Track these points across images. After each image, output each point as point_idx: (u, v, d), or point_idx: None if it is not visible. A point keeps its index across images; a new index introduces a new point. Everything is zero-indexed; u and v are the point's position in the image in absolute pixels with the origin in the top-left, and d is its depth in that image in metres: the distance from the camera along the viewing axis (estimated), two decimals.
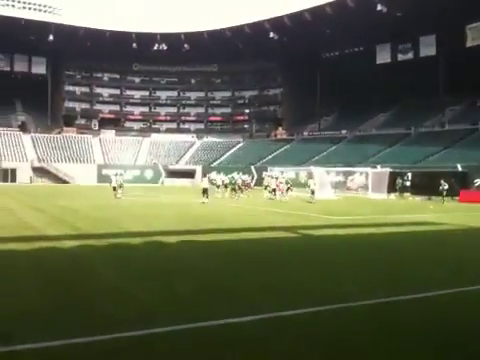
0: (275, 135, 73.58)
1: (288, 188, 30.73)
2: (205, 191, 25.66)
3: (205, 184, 26.36)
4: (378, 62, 64.07)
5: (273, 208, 23.07)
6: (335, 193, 35.73)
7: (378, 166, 40.81)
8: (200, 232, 13.70)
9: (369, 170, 38.82)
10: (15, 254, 9.68)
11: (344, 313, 5.90)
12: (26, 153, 66.25)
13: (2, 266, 8.53)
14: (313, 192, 28.18)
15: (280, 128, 74.07)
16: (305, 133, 69.28)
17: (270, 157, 64.58)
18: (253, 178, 35.48)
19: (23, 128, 72.68)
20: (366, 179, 38.80)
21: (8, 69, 75.18)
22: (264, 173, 39.44)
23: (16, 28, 64.05)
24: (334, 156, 55.66)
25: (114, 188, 29.68)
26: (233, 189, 32.29)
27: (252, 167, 58.27)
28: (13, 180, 60.20)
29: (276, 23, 62.00)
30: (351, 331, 5.22)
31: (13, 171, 61.32)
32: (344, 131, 63.57)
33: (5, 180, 59.59)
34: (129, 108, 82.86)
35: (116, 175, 30.62)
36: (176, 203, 26.68)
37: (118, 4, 71.25)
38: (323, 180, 35.63)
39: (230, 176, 32.92)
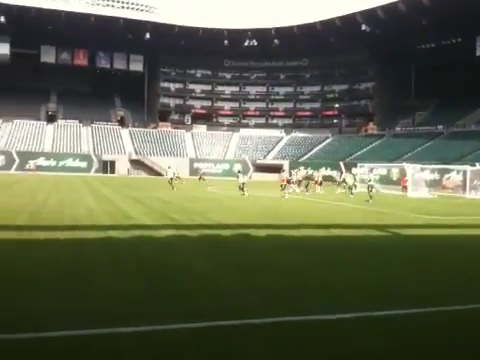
0: (365, 130, 71.59)
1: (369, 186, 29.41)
2: (243, 185, 28.27)
3: (242, 179, 29.12)
4: (478, 54, 60.04)
5: (361, 205, 22.63)
6: (430, 192, 34.18)
7: (477, 164, 38.41)
8: (288, 227, 13.81)
9: (467, 168, 36.64)
10: (115, 241, 10.37)
11: (429, 317, 5.78)
12: (124, 146, 70.17)
13: (103, 252, 9.13)
14: (369, 188, 26.76)
15: (371, 123, 71.89)
16: (397, 128, 66.69)
17: (359, 153, 62.99)
18: (342, 174, 34.89)
19: (122, 123, 77.16)
20: (464, 178, 36.69)
21: (108, 67, 79.92)
22: (353, 169, 38.77)
23: (115, 27, 68.00)
24: (429, 153, 53.07)
25: (170, 180, 32.55)
26: (307, 185, 32.74)
27: (341, 163, 57.27)
28: (112, 172, 64.04)
29: (369, 15, 60.20)
30: (436, 337, 5.12)
31: (112, 163, 65.23)
32: (440, 126, 60.36)
33: (105, 172, 63.61)
34: (220, 103, 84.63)
35: (169, 168, 35.28)
36: (264, 197, 27.02)
37: (211, 1, 72.95)
38: (416, 178, 34.25)
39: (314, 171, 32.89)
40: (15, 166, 60.59)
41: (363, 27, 62.05)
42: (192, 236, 11.37)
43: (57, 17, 64.95)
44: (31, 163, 60.07)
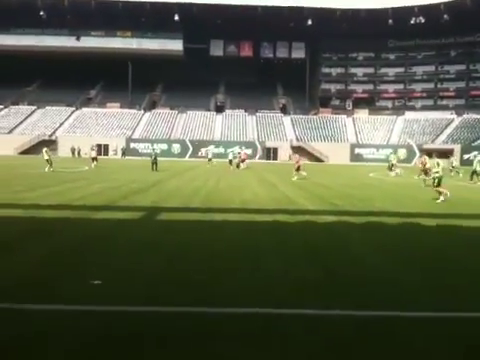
0: None
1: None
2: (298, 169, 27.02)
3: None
4: None
5: None
6: None
7: None
8: (463, 217, 12.84)
9: None
10: (282, 225, 10.74)
11: None
12: (286, 133, 71.76)
13: (272, 236, 9.50)
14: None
15: None
16: None
17: None
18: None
19: (284, 110, 78.94)
20: None
21: (271, 56, 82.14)
22: None
23: (278, 17, 69.57)
24: None
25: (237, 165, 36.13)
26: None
27: None
28: (275, 158, 66.10)
29: None
30: None
31: (275, 150, 67.33)
32: None
33: (268, 158, 65.98)
34: (383, 86, 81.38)
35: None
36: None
37: None
38: None
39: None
40: (189, 154, 66.15)
41: None
42: (356, 223, 11.27)
43: (225, 11, 68.72)
44: (203, 151, 64.90)
